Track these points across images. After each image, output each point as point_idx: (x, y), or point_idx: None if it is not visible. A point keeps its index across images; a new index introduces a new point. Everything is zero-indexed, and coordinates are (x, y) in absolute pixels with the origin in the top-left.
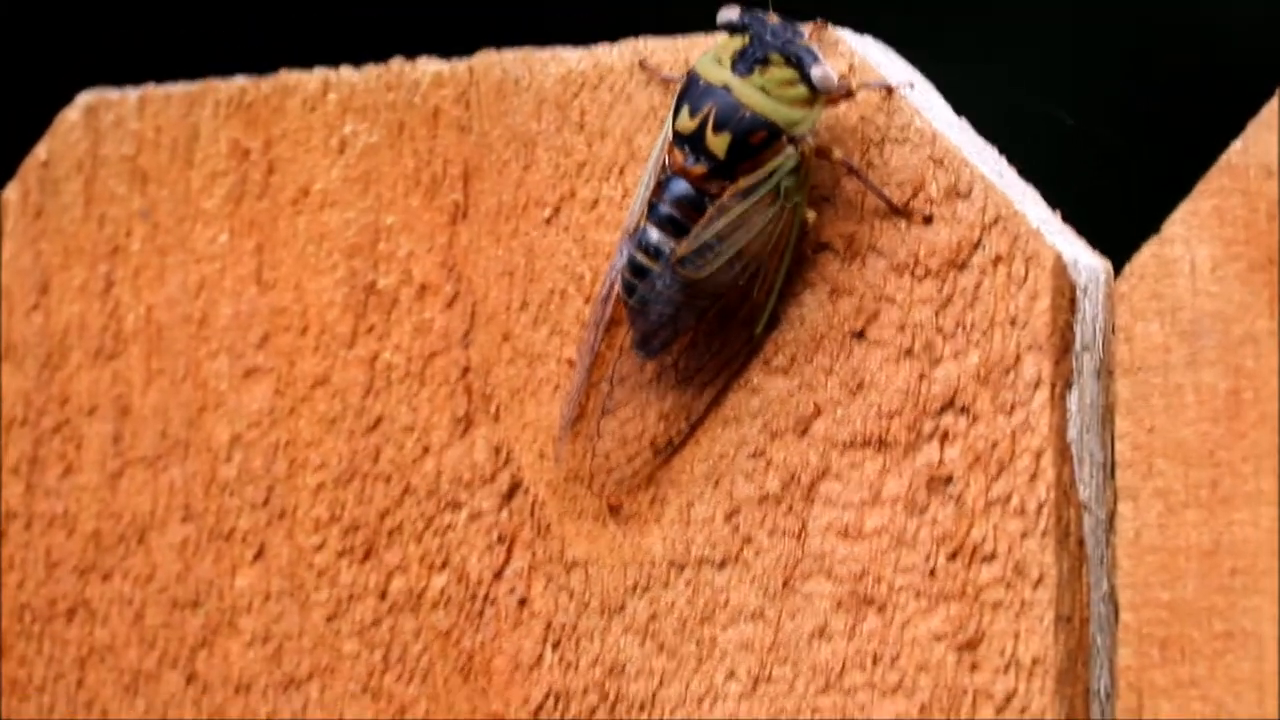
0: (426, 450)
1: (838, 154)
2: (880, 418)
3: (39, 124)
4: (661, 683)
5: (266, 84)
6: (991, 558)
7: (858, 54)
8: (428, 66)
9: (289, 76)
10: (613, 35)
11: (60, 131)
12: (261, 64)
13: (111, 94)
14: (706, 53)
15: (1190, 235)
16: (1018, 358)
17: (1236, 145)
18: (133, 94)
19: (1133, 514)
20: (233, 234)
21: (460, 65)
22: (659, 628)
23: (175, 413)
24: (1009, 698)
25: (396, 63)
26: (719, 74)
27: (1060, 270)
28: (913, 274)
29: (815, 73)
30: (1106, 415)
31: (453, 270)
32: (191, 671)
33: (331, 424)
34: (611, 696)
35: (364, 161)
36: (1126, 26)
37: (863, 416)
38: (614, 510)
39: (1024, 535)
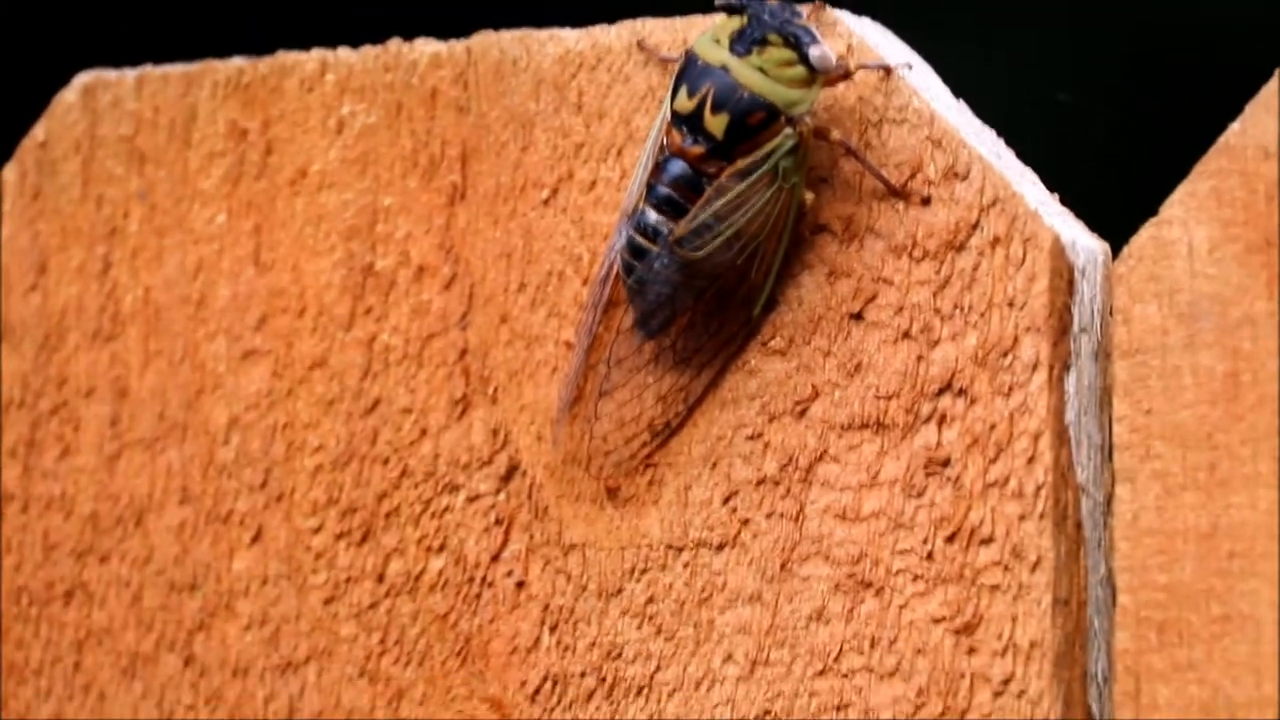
0: (424, 432)
1: (836, 135)
2: (878, 400)
3: (37, 105)
4: (659, 666)
5: (264, 65)
6: (989, 541)
7: (856, 34)
8: (425, 47)
9: (287, 57)
10: (611, 16)
11: (58, 112)
12: (259, 45)
13: (109, 75)
14: (705, 33)
15: (1188, 217)
16: (1016, 340)
17: (1235, 126)
18: (130, 75)
19: (1130, 497)
20: (230, 215)
21: (458, 46)
22: (657, 611)
23: (173, 395)
24: (1006, 681)
25: (394, 43)
26: (717, 54)
27: (1058, 252)
28: (911, 256)
29: (813, 53)
30: (1104, 397)
31: (450, 252)
32: (189, 654)
33: (329, 406)
34: (609, 679)
35: (362, 142)
36: (1126, 7)
37: (860, 399)
38: (612, 493)
39: (1022, 518)
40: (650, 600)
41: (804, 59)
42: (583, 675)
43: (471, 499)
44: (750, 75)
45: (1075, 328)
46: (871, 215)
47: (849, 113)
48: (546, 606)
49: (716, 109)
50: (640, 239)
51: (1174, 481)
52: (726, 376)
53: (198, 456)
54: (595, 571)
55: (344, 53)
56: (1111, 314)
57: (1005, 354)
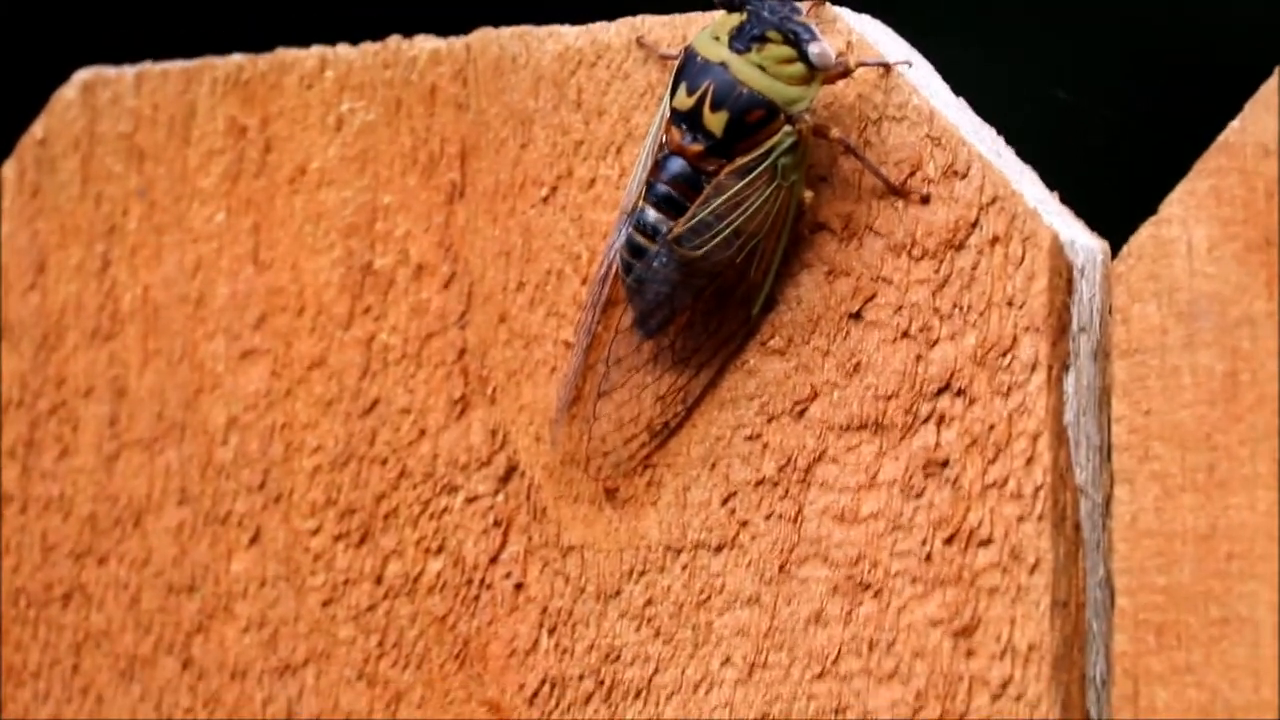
0: (423, 433)
1: (835, 132)
2: (877, 400)
3: (36, 102)
4: (657, 668)
5: (263, 61)
6: (988, 542)
7: (855, 31)
8: (425, 44)
9: (286, 54)
10: (610, 13)
11: (57, 109)
12: (259, 42)
13: (108, 71)
14: (704, 29)
15: (1188, 215)
16: (1015, 339)
17: (1234, 124)
18: (130, 71)
19: (1129, 498)
20: (230, 213)
21: (457, 43)
22: (655, 613)
23: (172, 394)
24: (1005, 684)
25: (394, 40)
26: (716, 51)
27: (1057, 251)
28: (910, 254)
29: (813, 50)
30: (1103, 398)
31: (450, 250)
32: (187, 657)
33: (328, 406)
34: (607, 682)
35: (361, 140)
36: (1126, 6)
37: (859, 399)
38: (610, 494)
39: (1020, 519)
40: (649, 602)
41: (803, 56)
42: (581, 678)
43: (470, 500)
44: (749, 72)
45: (1074, 327)
46: (871, 213)
47: (848, 110)
48: (545, 609)
49: (716, 106)
50: (639, 237)
51: (1173, 483)
52: (725, 376)
53: (196, 457)
54: (594, 573)
55: (343, 50)
56: (1111, 313)
57: (1004, 354)
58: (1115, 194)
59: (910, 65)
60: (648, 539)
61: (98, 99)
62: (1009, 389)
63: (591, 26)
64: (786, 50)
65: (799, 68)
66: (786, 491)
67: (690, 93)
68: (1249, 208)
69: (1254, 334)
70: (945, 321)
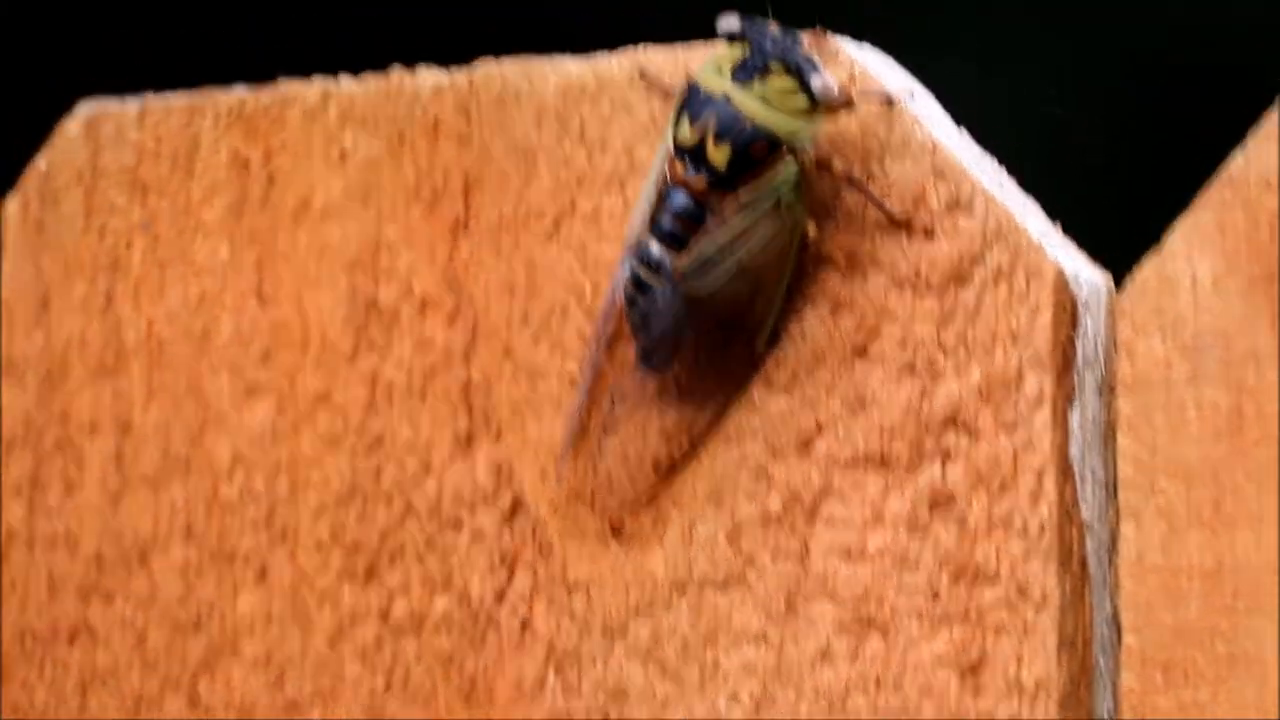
0: (428, 469)
1: (838, 165)
2: (882, 436)
3: (39, 134)
4: (664, 706)
5: (266, 94)
6: (994, 579)
7: (858, 63)
8: (428, 77)
9: (289, 87)
10: (612, 44)
11: (60, 142)
12: (261, 73)
13: (111, 104)
14: (706, 62)
15: (1191, 249)
16: (1019, 374)
17: (1237, 158)
18: (133, 104)
19: (1135, 534)
20: (233, 247)
21: (460, 75)
22: (661, 650)
23: (177, 431)
24: None
25: (396, 73)
26: (719, 83)
27: (1062, 285)
28: (914, 289)
29: (816, 82)
30: (1109, 433)
31: (454, 284)
32: (193, 695)
33: (333, 442)
34: None
35: (364, 173)
36: (1128, 39)
37: (864, 434)
38: (616, 530)
39: (1026, 556)
40: (655, 640)
41: (806, 88)
42: (588, 716)
43: (475, 537)
44: (752, 105)
45: (1079, 362)
46: (874, 247)
47: (851, 143)
48: (551, 646)
49: (719, 139)
50: (643, 272)
51: (1179, 519)
52: (730, 412)
53: (202, 493)
54: (600, 610)
55: (346, 83)
56: (1115, 348)
57: (1009, 389)
58: (1118, 227)
59: (913, 96)
60: (654, 575)
61: (101, 132)
62: (1014, 424)
63: (594, 59)
64: (789, 82)
65: (802, 100)
66: (792, 528)
67: (693, 126)
68: (1253, 241)
69: (1259, 368)
70: (950, 356)
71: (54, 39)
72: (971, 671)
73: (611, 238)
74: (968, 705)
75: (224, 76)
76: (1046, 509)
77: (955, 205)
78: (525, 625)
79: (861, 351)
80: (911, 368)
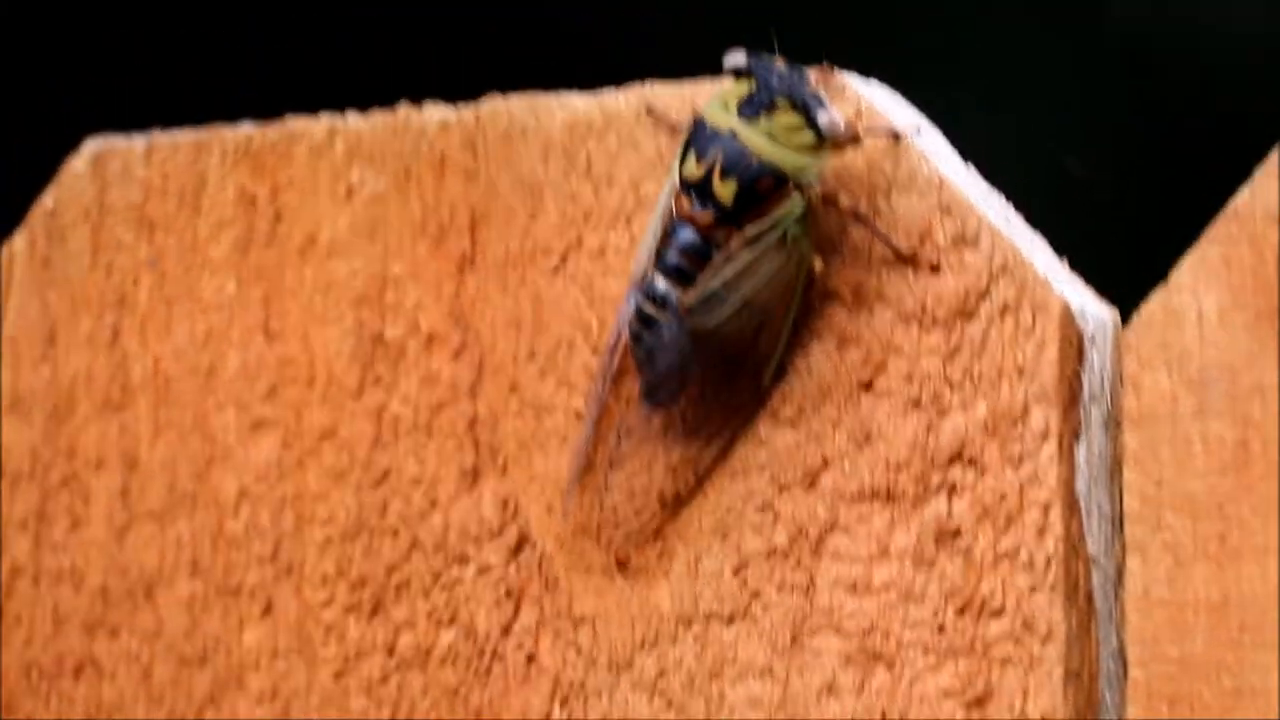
0: (434, 504)
1: (845, 201)
2: (888, 470)
3: (46, 172)
4: None
5: (273, 131)
6: (1000, 613)
7: (864, 99)
8: (434, 113)
9: (296, 123)
10: (619, 79)
11: (67, 180)
12: (267, 110)
13: (118, 141)
14: (713, 97)
15: (1197, 284)
16: (1025, 409)
17: (1243, 193)
18: (140, 141)
19: (1141, 568)
20: (240, 283)
21: (467, 112)
22: (667, 684)
23: (183, 466)
24: None
25: (403, 109)
26: (725, 119)
27: (1068, 319)
28: (920, 324)
29: (822, 119)
30: (1115, 467)
31: (460, 320)
32: None
33: (339, 477)
34: None
35: (371, 209)
36: (1134, 73)
37: (870, 469)
38: (622, 565)
39: (1032, 590)
40: (661, 673)
41: (813, 124)
42: None
43: (482, 571)
44: (759, 141)
45: (1085, 396)
46: (881, 283)
47: (858, 179)
48: (557, 680)
49: (725, 175)
50: (649, 307)
51: (1185, 552)
52: (736, 447)
53: (208, 528)
54: (605, 644)
55: (353, 119)
56: (1121, 382)
57: (1015, 423)
58: (1124, 262)
59: (919, 132)
60: (660, 610)
61: (108, 169)
62: (1020, 459)
63: (601, 95)
64: (796, 118)
65: (808, 136)
66: (798, 562)
67: (699, 161)
68: (1259, 276)
69: (1265, 402)
70: (956, 391)
71: (61, 76)
72: (977, 704)
73: (618, 273)
74: None
75: (231, 114)
76: (1052, 543)
77: (961, 240)
78: (531, 659)
79: (867, 386)
80: (917, 402)
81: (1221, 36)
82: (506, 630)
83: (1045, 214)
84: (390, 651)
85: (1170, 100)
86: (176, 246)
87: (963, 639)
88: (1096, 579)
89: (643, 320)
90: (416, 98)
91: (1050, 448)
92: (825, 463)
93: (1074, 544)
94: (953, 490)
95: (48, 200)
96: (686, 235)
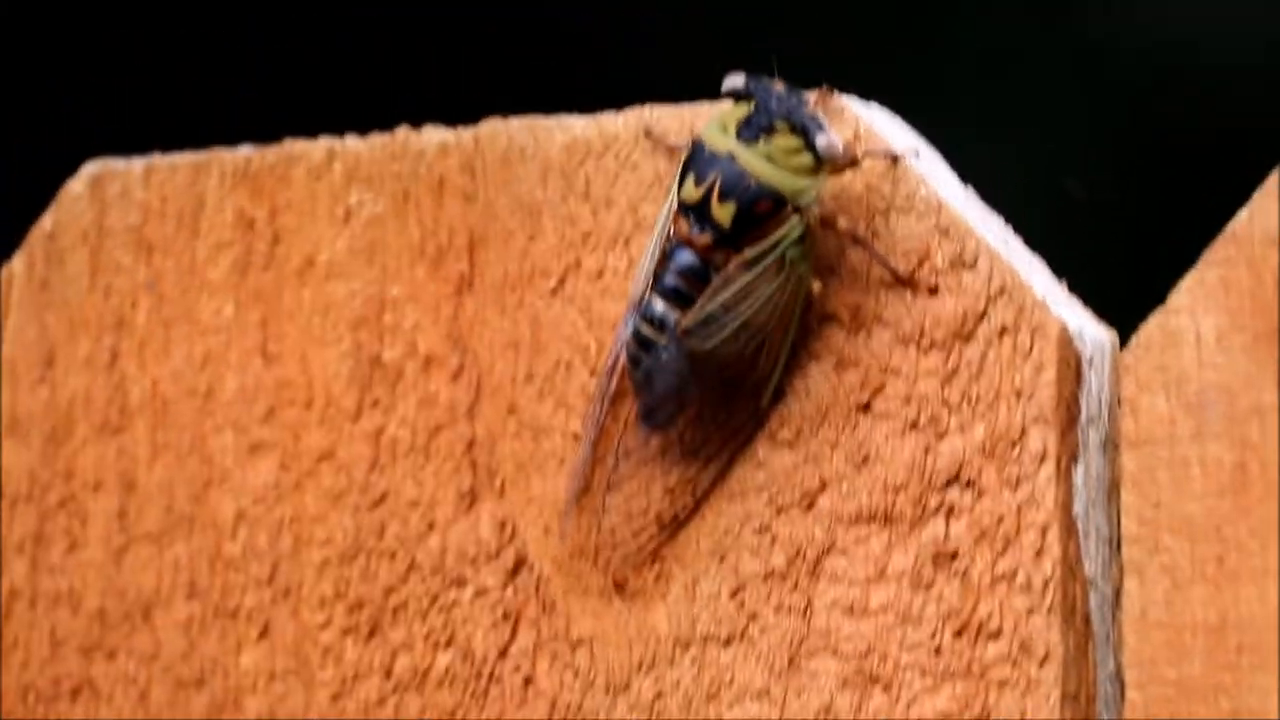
0: (431, 526)
1: (843, 223)
2: (886, 492)
3: (44, 195)
4: None
5: (271, 153)
6: (997, 635)
7: (863, 122)
8: (433, 135)
9: (294, 145)
10: (618, 102)
11: (65, 202)
12: (266, 132)
13: (117, 164)
14: (711, 120)
15: (1196, 306)
16: (1023, 431)
17: (1242, 215)
18: (138, 164)
19: (1139, 590)
20: (238, 306)
21: (465, 134)
22: (664, 707)
23: (180, 488)
24: None
25: (401, 131)
26: (724, 142)
27: (1066, 342)
28: (918, 346)
29: (821, 141)
30: (1112, 489)
31: (458, 342)
32: None
33: (336, 499)
34: None
35: (369, 231)
36: (1133, 95)
37: (868, 491)
38: (619, 587)
39: (1030, 612)
40: (658, 696)
41: (811, 147)
42: None
43: (479, 593)
44: (757, 163)
45: (1083, 418)
46: (879, 305)
47: (856, 201)
48: (554, 702)
49: (723, 197)
50: (647, 329)
51: (1182, 575)
52: (734, 469)
53: (205, 550)
54: (603, 667)
55: (351, 141)
56: (1119, 404)
57: (1013, 445)
58: (1123, 284)
59: (918, 155)
60: (657, 632)
61: (106, 192)
62: (1018, 481)
63: (599, 117)
64: (794, 141)
65: (807, 158)
66: (796, 584)
67: (698, 184)
68: (1257, 298)
69: (1263, 425)
70: (954, 413)
71: (60, 100)
72: None
73: (616, 295)
74: None
75: (229, 137)
76: (1050, 565)
77: (960, 262)
78: (528, 682)
79: (865, 408)
80: (915, 424)
81: (1220, 59)
82: (504, 652)
83: (1044, 236)
84: (388, 673)
85: (1169, 123)
86: (175, 269)
87: (960, 661)
88: (1094, 601)
89: (641, 342)
90: (415, 120)
91: (1048, 470)
92: (823, 485)
93: (1071, 566)
94: (950, 512)
95: (46, 223)
96: (685, 257)
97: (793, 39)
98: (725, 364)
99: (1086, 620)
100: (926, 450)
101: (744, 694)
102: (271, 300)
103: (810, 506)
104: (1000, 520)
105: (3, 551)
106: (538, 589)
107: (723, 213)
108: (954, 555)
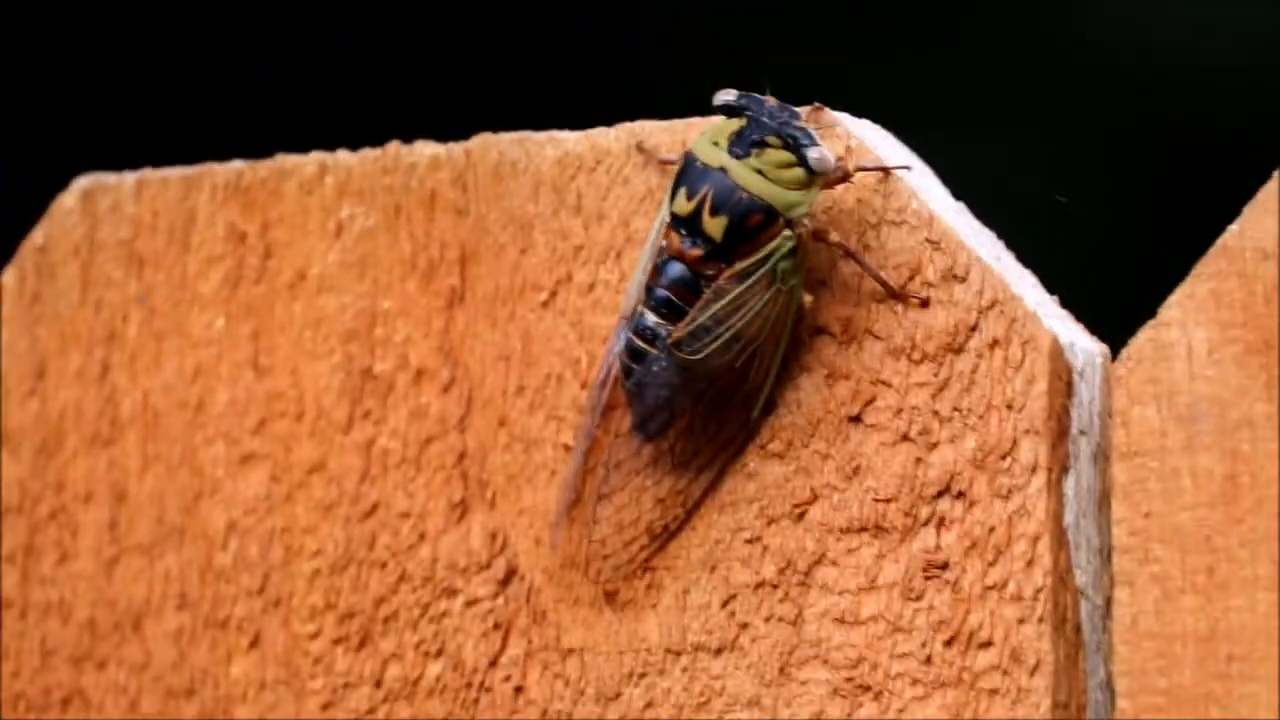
0: (422, 536)
1: (835, 236)
2: (877, 503)
3: (36, 209)
4: None
5: (263, 167)
6: (988, 644)
7: (855, 136)
8: (424, 150)
9: (286, 160)
10: (610, 117)
11: (57, 216)
12: (258, 147)
13: (108, 178)
14: (703, 134)
15: (1187, 318)
16: (1014, 442)
17: (1233, 228)
18: (129, 178)
19: (1129, 600)
20: (229, 319)
21: (457, 148)
22: (655, 716)
23: (171, 499)
24: None
25: (393, 146)
26: (716, 156)
27: (1057, 354)
28: (909, 358)
29: (812, 155)
30: (1103, 500)
31: (449, 355)
32: None
33: (327, 510)
34: None
35: (361, 245)
36: (1124, 109)
37: (859, 502)
38: (610, 597)
39: (1021, 622)
40: (649, 705)
41: (803, 161)
42: None
43: (470, 603)
44: (749, 177)
45: (1074, 430)
46: (870, 317)
47: (848, 214)
48: (545, 712)
49: (715, 211)
50: (639, 342)
51: (1173, 585)
52: (725, 480)
53: (196, 561)
54: (593, 676)
55: (343, 155)
56: (1110, 416)
57: (1004, 457)
58: (1115, 297)
59: (910, 169)
60: (648, 642)
61: (97, 206)
62: (1009, 492)
63: (591, 132)
64: (786, 155)
65: (798, 172)
66: (786, 594)
67: (690, 197)
68: (1248, 311)
69: (1254, 437)
70: (945, 425)
71: (52, 114)
72: None
73: (607, 308)
74: None
75: (222, 153)
76: (1041, 575)
77: (951, 275)
78: (519, 691)
79: (856, 419)
80: (906, 436)
81: (1211, 73)
82: (494, 662)
83: (1036, 249)
84: (378, 683)
85: (1161, 136)
86: (166, 282)
87: (951, 670)
88: (1085, 611)
89: (632, 354)
90: (406, 135)
91: (1039, 481)
92: (814, 495)
93: (1062, 576)
94: (941, 523)
95: (38, 236)
96: (676, 270)
97: (784, 54)
98: (716, 375)
99: (1077, 630)
100: (917, 461)
101: (735, 703)
102: (263, 313)
103: (801, 517)
104: (991, 531)
105: None
106: (528, 599)
107: (714, 226)
108: (945, 565)
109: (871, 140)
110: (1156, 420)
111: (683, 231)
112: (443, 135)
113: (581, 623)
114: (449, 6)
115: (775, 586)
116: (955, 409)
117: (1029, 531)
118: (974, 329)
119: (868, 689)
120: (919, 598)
